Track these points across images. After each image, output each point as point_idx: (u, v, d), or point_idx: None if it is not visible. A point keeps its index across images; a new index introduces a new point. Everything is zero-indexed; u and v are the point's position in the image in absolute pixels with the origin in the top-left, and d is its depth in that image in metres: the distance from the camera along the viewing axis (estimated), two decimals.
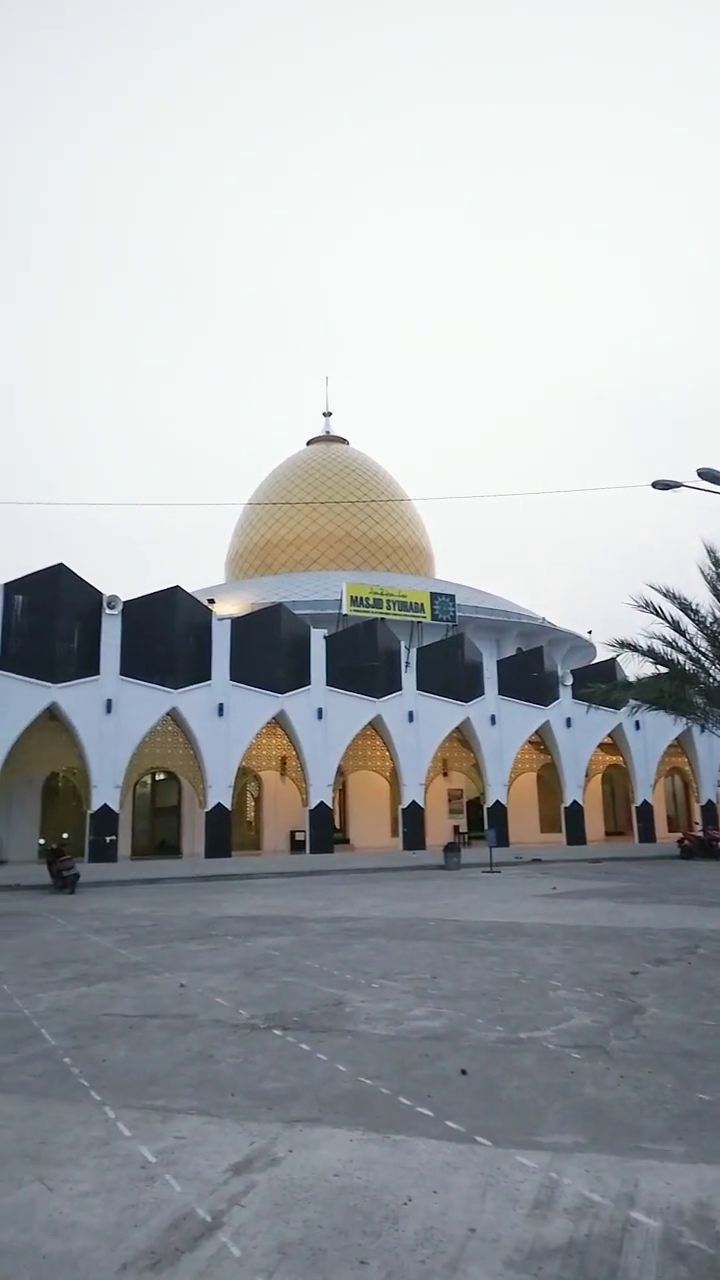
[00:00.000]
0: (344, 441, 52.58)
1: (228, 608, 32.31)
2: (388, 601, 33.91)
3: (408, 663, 28.81)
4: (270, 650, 26.43)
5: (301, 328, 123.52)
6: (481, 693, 29.98)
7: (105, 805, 23.21)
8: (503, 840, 26.99)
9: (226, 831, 25.12)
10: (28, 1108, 5.09)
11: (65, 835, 23.52)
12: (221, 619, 26.66)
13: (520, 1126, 4.70)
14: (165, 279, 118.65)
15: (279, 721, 26.64)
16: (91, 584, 24.22)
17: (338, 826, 28.84)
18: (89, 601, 24.02)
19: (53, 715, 23.21)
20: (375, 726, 28.12)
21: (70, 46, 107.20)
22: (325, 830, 26.84)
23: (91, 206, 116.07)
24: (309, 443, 52.24)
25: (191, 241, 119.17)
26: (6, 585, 23.03)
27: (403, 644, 29.48)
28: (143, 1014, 7.35)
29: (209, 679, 25.26)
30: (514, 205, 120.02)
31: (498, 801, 29.62)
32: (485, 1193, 3.90)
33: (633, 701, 23.57)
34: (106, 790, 23.26)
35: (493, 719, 29.95)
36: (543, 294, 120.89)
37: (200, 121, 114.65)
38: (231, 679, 25.56)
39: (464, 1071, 5.61)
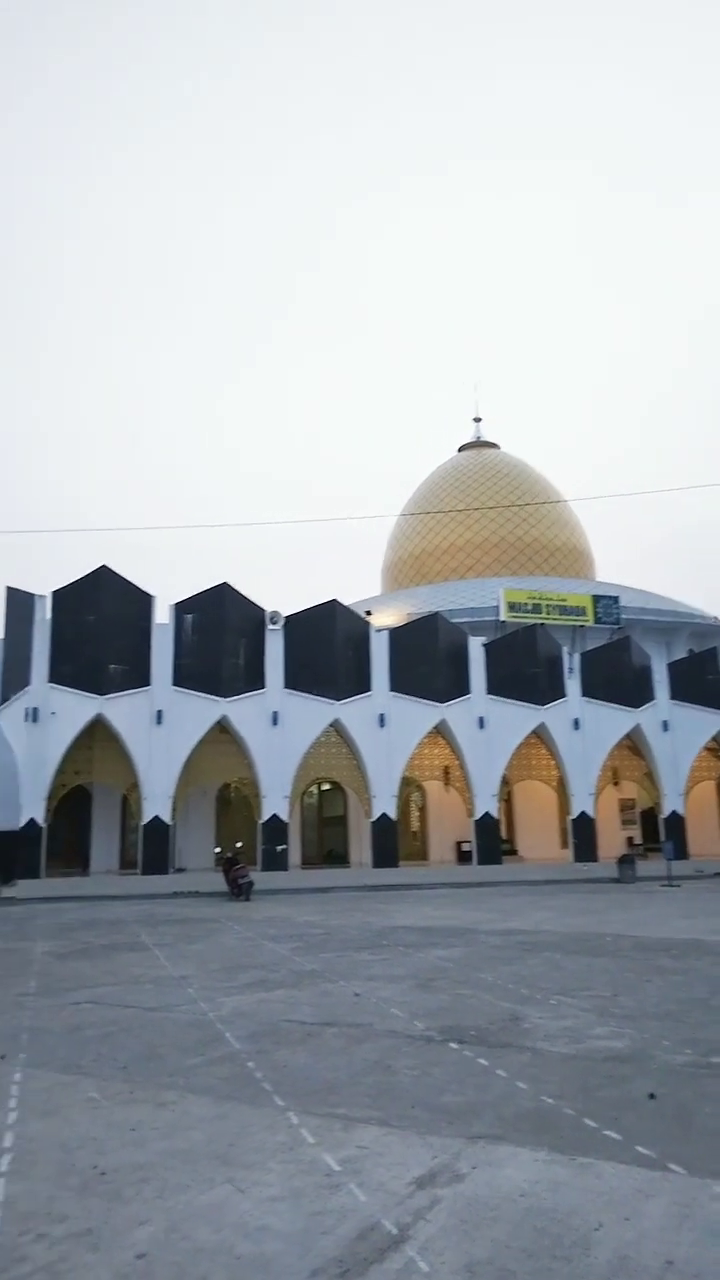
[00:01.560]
0: (495, 446, 52.08)
1: (385, 619, 32.62)
2: (547, 606, 33.20)
3: (571, 668, 28.08)
4: (429, 660, 26.46)
5: (446, 336, 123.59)
6: (652, 697, 28.79)
7: (275, 815, 23.92)
8: (681, 853, 25.77)
9: (393, 842, 25.28)
10: (215, 1110, 5.26)
11: (239, 844, 24.39)
12: (379, 630, 26.95)
13: (717, 1155, 4.43)
14: (306, 291, 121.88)
15: (440, 731, 26.60)
16: (254, 601, 25.10)
17: (504, 837, 28.43)
18: (252, 618, 24.90)
19: (223, 728, 24.19)
20: (539, 735, 27.54)
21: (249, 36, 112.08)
22: (492, 841, 26.51)
23: (254, 218, 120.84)
24: (460, 449, 52.05)
25: (338, 253, 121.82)
26: (176, 606, 24.27)
27: (564, 649, 28.77)
28: (320, 1021, 7.47)
29: (369, 690, 25.55)
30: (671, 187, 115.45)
31: (674, 812, 28.31)
32: (682, 1223, 3.69)
33: None
34: (275, 800, 23.97)
35: (665, 725, 28.69)
36: (700, 277, 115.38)
37: (347, 121, 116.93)
38: (391, 689, 25.76)
39: (652, 1095, 5.35)
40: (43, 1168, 4.38)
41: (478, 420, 53.21)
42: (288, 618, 25.20)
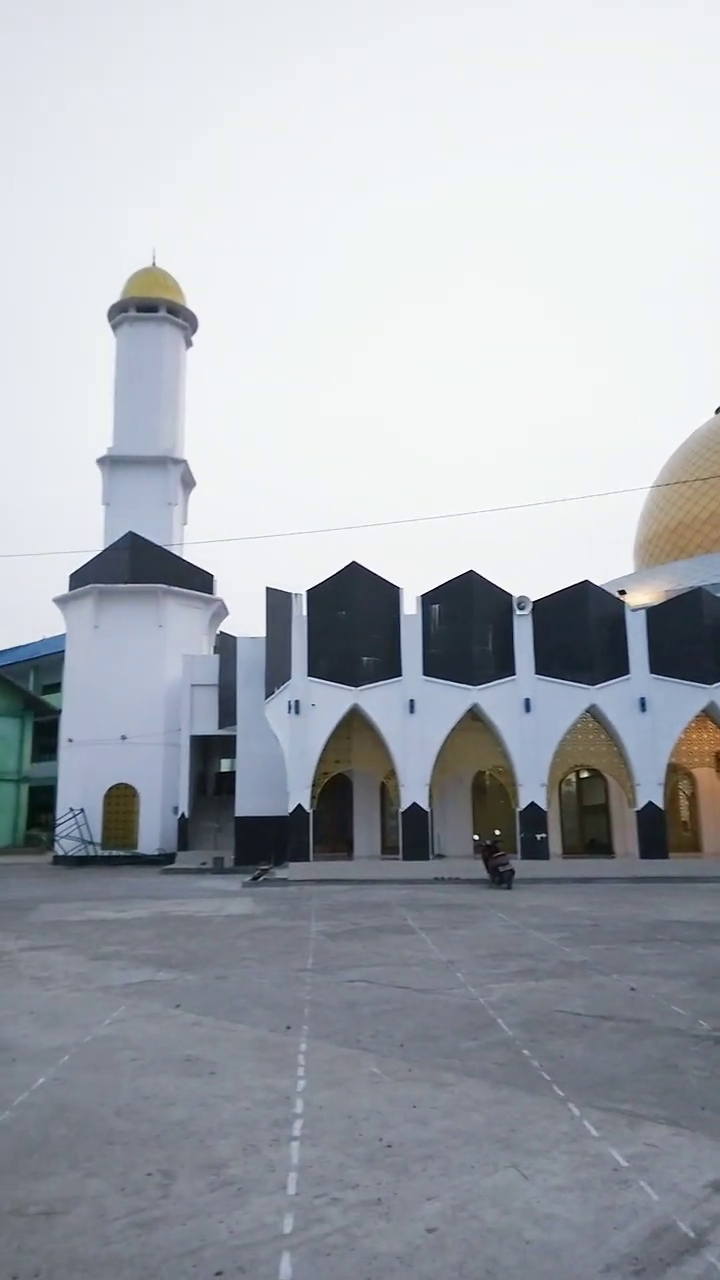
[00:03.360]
0: None
1: (640, 597, 31.08)
2: None
3: None
4: (692, 639, 24.86)
5: (682, 296, 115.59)
6: None
7: (532, 803, 23.59)
8: None
9: (662, 831, 24.07)
10: (493, 1094, 5.24)
11: (498, 832, 24.31)
12: (635, 610, 25.71)
13: None
14: (538, 271, 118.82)
15: (709, 714, 24.93)
16: (500, 587, 24.88)
17: None
18: (499, 604, 24.69)
19: (475, 716, 24.22)
20: None
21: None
22: None
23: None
24: (718, 411, 48.43)
25: (590, 241, 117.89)
26: (423, 596, 24.61)
27: None
28: (595, 1014, 7.24)
29: (627, 673, 24.46)
30: None
31: None
32: None
33: None
34: (532, 788, 23.63)
35: None
36: None
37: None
38: (651, 672, 24.49)
39: None
40: (332, 1136, 4.57)
41: None
42: (536, 602, 24.73)
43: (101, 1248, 3.38)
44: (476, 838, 25.94)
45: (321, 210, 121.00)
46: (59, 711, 37.18)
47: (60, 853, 32.14)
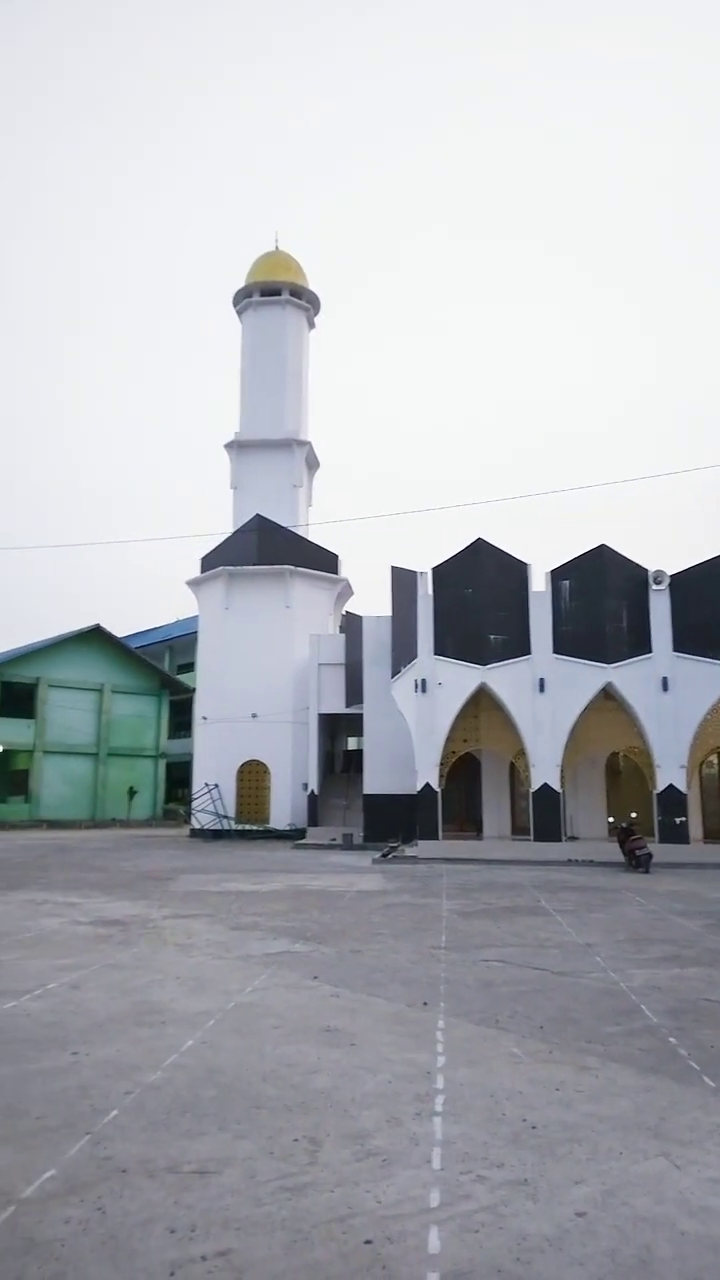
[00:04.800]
0: None
1: None
2: None
3: None
4: None
5: None
6: None
7: (671, 785, 22.79)
8: None
9: None
10: (640, 1081, 5.09)
11: (634, 814, 23.64)
12: None
13: None
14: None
15: None
16: (635, 561, 24.02)
17: None
18: (634, 579, 23.84)
19: (608, 695, 23.56)
20: None
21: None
22: None
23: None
24: None
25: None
26: (553, 572, 24.05)
27: None
28: None
29: None
30: None
31: None
32: None
33: None
34: (671, 770, 22.82)
35: None
36: None
37: None
38: None
39: None
40: (474, 1114, 4.55)
41: None
42: (674, 576, 23.75)
43: (254, 1208, 3.47)
44: (611, 820, 25.32)
45: (448, 180, 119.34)
46: (193, 690, 38.53)
47: (196, 826, 33.40)
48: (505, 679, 23.57)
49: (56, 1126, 4.30)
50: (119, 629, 50.74)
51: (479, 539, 24.43)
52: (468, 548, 24.47)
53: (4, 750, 44.36)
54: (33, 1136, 4.17)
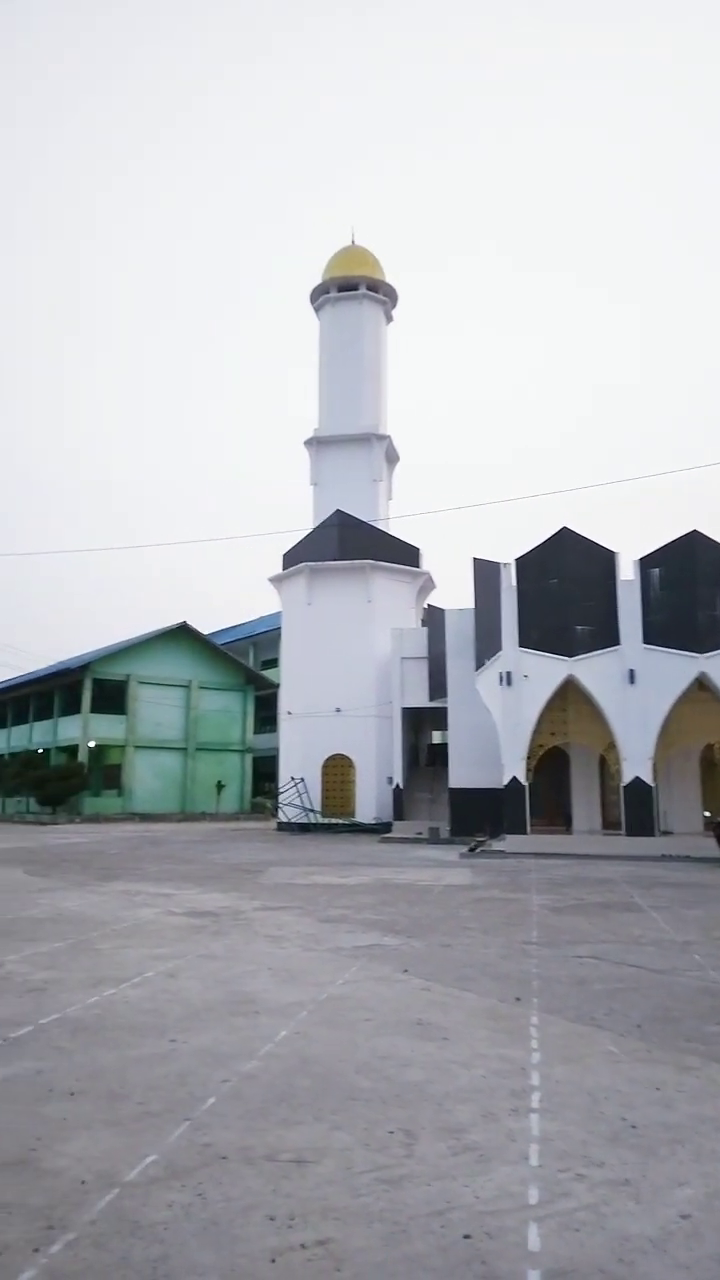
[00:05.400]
0: None
1: None
2: None
3: None
4: None
5: None
6: None
7: None
8: None
9: None
10: None
11: None
12: None
13: None
14: None
15: None
16: None
17: None
18: None
19: (702, 686, 22.86)
20: None
21: None
22: None
23: None
24: None
25: None
26: (642, 560, 23.45)
27: None
28: None
29: None
30: None
31: None
32: None
33: None
34: None
35: None
36: None
37: None
38: None
39: None
40: (571, 1111, 4.47)
41: None
42: None
43: (351, 1199, 3.48)
44: (707, 815, 24.60)
45: (524, 168, 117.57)
46: (277, 686, 39.04)
47: (284, 819, 33.82)
48: (593, 671, 23.12)
49: (158, 1112, 4.40)
50: (204, 626, 51.80)
51: (564, 528, 24.01)
52: (552, 537, 24.08)
53: (98, 746, 45.75)
54: (135, 1121, 4.28)
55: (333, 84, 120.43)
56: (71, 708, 46.55)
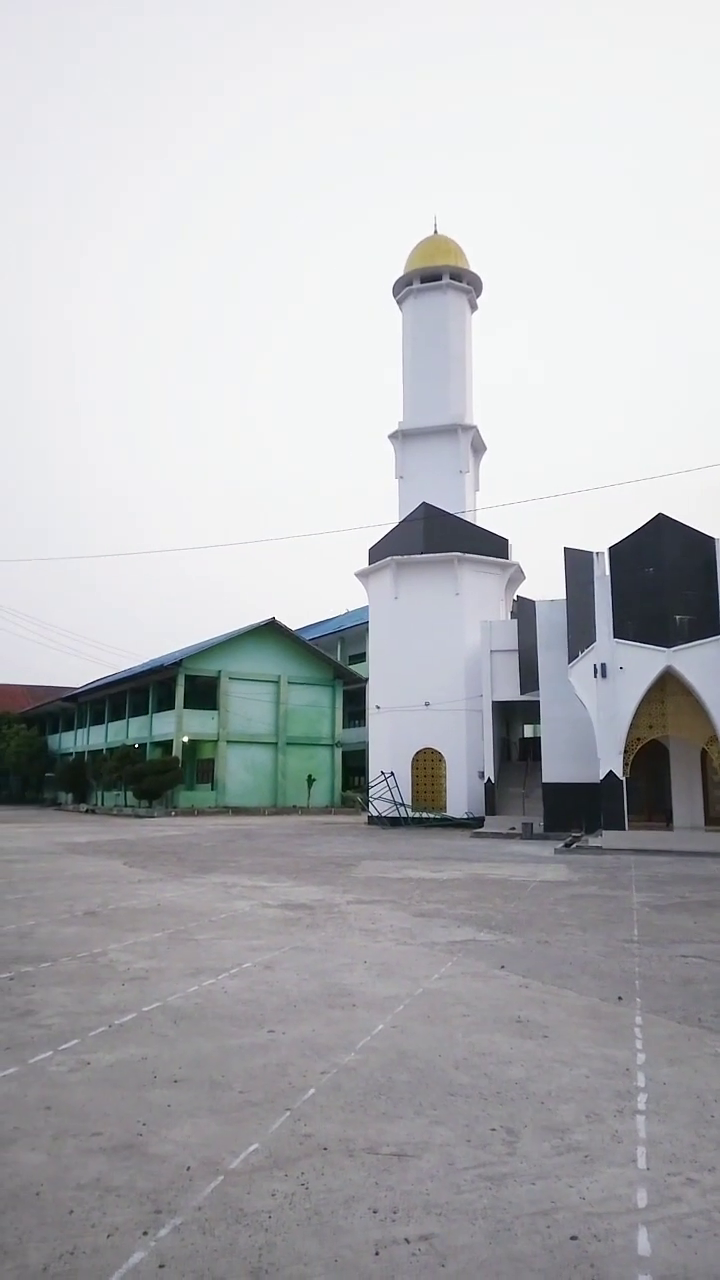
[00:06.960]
0: None
1: None
2: None
3: None
4: None
5: None
6: None
7: None
8: None
9: None
10: None
11: None
12: None
13: None
14: None
15: None
16: None
17: None
18: None
19: None
20: None
21: None
22: None
23: None
24: None
25: None
26: None
27: None
28: None
29: None
30: None
31: None
32: None
33: None
34: None
35: None
36: None
37: None
38: None
39: None
40: (680, 1114, 4.32)
41: None
42: None
43: (454, 1195, 3.44)
44: None
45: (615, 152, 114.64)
46: (365, 680, 39.12)
47: (374, 814, 33.91)
48: (693, 661, 22.41)
49: (259, 1101, 4.45)
50: (292, 622, 52.33)
51: (660, 515, 23.33)
52: (648, 524, 23.43)
53: (191, 740, 46.79)
54: (237, 1110, 4.33)
55: (421, 79, 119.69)
56: (166, 704, 47.71)
